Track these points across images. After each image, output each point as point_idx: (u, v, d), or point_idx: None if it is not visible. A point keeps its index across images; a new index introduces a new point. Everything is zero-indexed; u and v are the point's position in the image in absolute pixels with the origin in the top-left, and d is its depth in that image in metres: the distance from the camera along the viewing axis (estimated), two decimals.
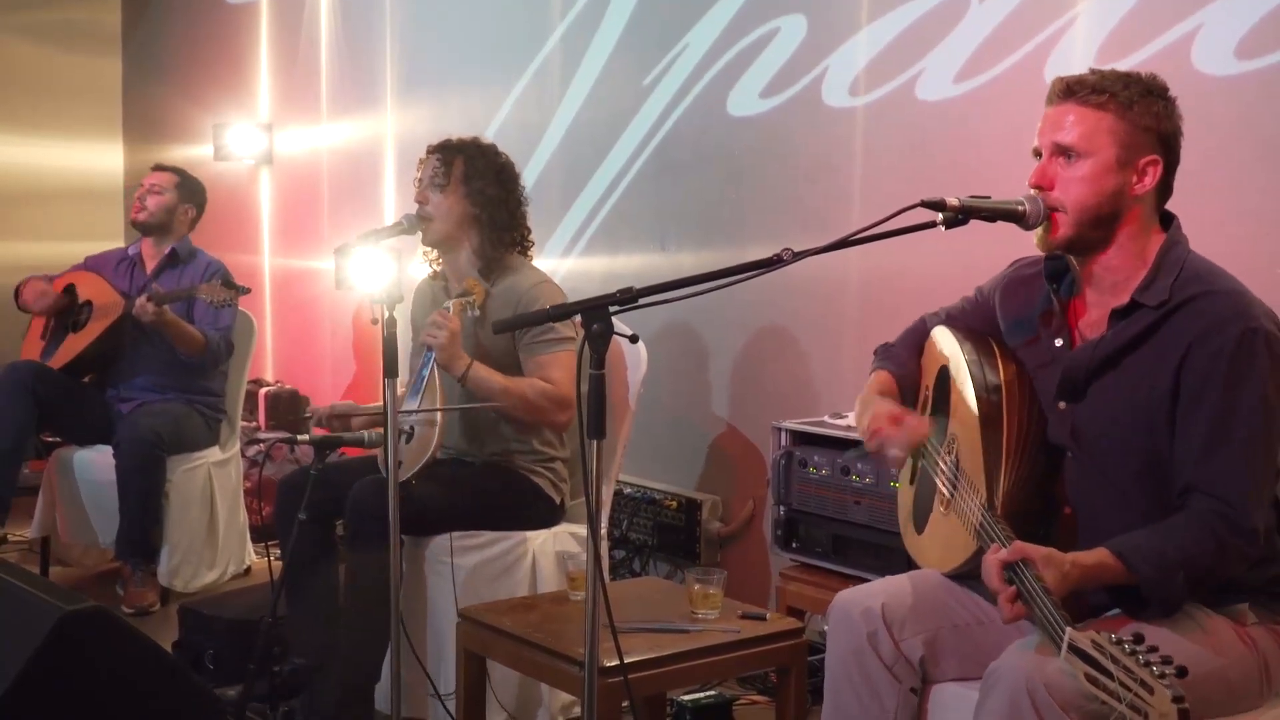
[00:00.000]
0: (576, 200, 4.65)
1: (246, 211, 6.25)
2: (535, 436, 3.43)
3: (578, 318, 2.07)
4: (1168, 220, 2.22)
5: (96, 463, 4.50)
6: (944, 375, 2.41)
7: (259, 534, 4.69)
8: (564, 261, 4.66)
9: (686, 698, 3.25)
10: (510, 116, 4.88)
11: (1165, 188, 2.20)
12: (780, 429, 3.50)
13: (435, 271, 3.60)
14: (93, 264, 4.83)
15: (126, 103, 7.06)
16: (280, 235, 6.20)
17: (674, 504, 4.16)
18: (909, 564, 2.52)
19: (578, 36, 4.62)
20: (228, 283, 4.36)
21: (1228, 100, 3.00)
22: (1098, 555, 2.02)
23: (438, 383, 3.30)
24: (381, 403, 2.97)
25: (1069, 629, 1.80)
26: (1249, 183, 2.99)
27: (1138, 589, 2.04)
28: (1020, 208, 2.15)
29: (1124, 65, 2.47)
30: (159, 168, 4.84)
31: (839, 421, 3.45)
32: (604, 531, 3.64)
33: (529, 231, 3.56)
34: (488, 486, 3.37)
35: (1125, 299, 2.16)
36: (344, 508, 3.19)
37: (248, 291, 4.42)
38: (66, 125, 6.79)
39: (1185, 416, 2.08)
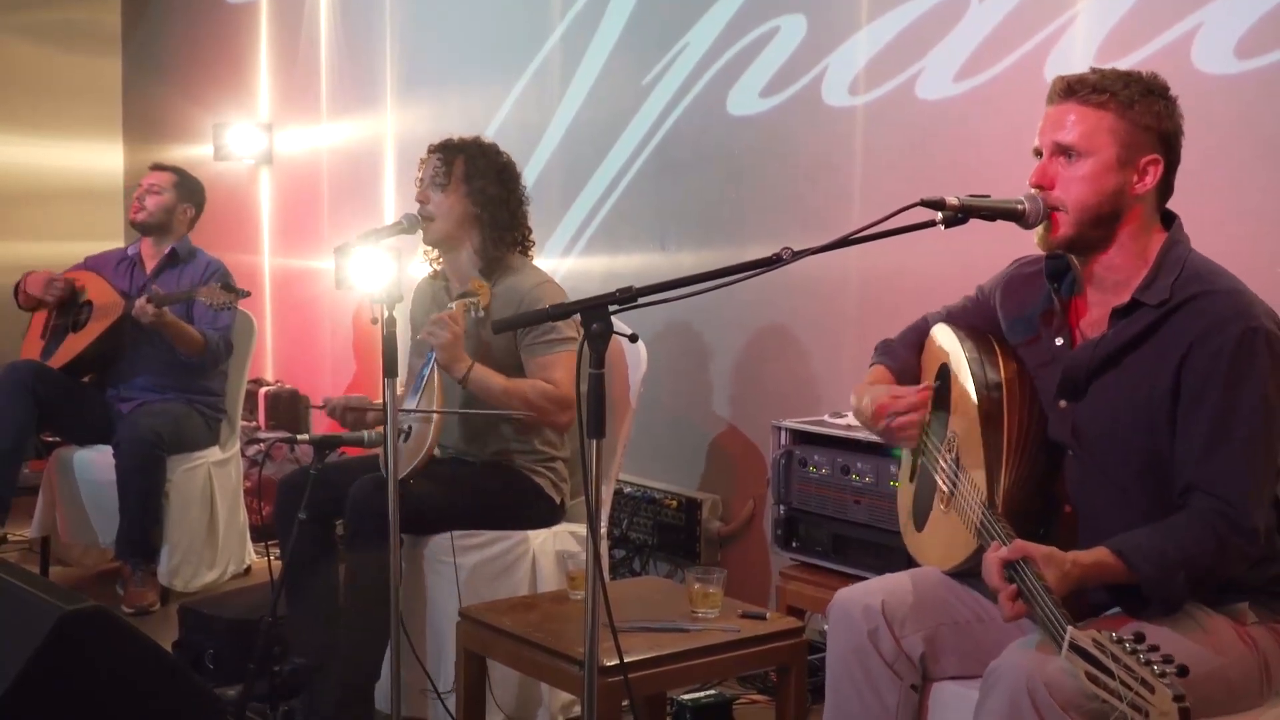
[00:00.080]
0: (576, 200, 4.64)
1: (246, 211, 6.24)
2: (536, 436, 3.42)
3: (578, 317, 2.07)
4: (1169, 219, 2.22)
5: (96, 462, 4.50)
6: (944, 373, 2.41)
7: (259, 534, 4.68)
8: (564, 261, 4.66)
9: (686, 697, 3.25)
10: (510, 116, 4.88)
11: (1166, 187, 2.20)
12: (780, 428, 3.50)
13: (435, 271, 3.59)
14: (92, 264, 4.82)
15: (126, 103, 7.05)
16: (280, 235, 6.20)
17: (674, 503, 4.16)
18: (909, 563, 2.52)
19: (577, 36, 4.61)
20: (227, 286, 4.34)
21: (1228, 99, 2.99)
22: (1098, 554, 2.02)
23: (437, 382, 3.29)
24: (381, 402, 2.97)
25: (1070, 628, 1.80)
26: (1249, 182, 2.99)
27: (1138, 588, 2.04)
28: (1020, 207, 2.15)
29: (1124, 64, 2.46)
30: (157, 167, 4.82)
31: (839, 420, 3.45)
32: (604, 531, 3.65)
33: (530, 231, 3.56)
34: (488, 486, 3.37)
35: (1126, 298, 2.16)
36: (344, 507, 3.19)
37: (247, 295, 4.41)
38: (66, 125, 6.78)
39: (1186, 416, 2.08)
